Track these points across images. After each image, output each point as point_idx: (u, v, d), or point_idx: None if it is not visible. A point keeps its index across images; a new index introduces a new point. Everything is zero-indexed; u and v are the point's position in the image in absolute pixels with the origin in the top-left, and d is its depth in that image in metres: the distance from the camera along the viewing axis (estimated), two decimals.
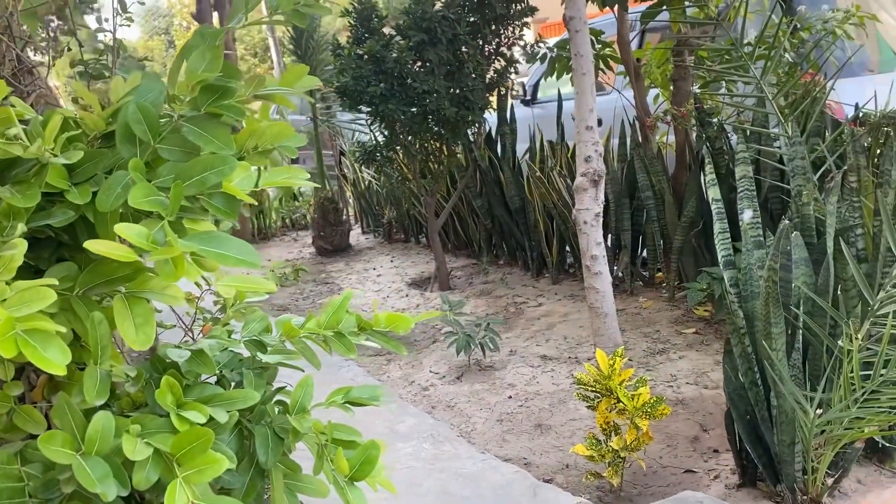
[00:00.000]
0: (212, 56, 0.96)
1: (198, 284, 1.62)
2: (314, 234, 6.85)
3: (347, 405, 1.14)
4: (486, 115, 5.13)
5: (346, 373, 3.59)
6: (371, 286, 5.59)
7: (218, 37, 0.98)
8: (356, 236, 7.49)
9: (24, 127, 0.99)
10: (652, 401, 2.31)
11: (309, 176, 1.03)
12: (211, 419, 1.00)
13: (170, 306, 1.66)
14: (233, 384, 1.22)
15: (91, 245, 0.77)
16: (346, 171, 7.89)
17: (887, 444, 2.35)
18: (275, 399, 1.22)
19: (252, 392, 1.07)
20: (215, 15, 7.40)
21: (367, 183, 7.38)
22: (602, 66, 4.73)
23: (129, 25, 1.67)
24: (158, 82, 1.05)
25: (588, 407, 2.44)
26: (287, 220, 8.27)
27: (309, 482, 1.16)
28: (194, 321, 1.84)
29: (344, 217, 6.92)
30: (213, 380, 1.24)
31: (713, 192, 2.34)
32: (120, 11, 1.53)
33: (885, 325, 1.88)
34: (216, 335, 1.22)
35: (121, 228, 0.81)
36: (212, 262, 0.91)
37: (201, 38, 0.98)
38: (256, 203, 6.87)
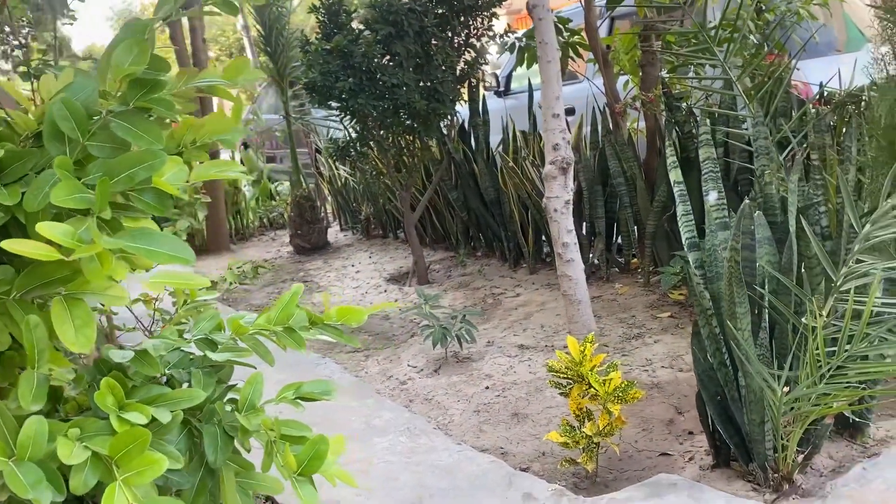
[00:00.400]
0: (139, 49, 0.94)
1: None
2: (291, 232, 6.80)
3: (298, 401, 1.12)
4: (459, 107, 5.10)
5: (323, 370, 3.57)
6: (350, 283, 5.56)
7: (145, 29, 0.96)
8: (334, 233, 7.45)
9: None
10: (623, 385, 2.31)
11: (244, 168, 1.01)
12: (154, 420, 0.98)
13: (128, 307, 1.63)
14: (184, 384, 1.20)
15: (7, 245, 0.75)
16: (321, 168, 7.84)
17: (858, 420, 2.36)
18: (227, 397, 1.21)
19: (198, 391, 1.05)
20: (184, 19, 7.32)
21: (343, 180, 7.34)
22: (572, 54, 4.73)
23: (71, 24, 1.64)
24: (91, 80, 1.03)
25: (561, 394, 2.44)
26: (265, 220, 8.21)
27: (263, 479, 1.15)
28: (153, 322, 1.82)
29: (321, 214, 6.88)
30: (164, 380, 1.22)
31: (674, 175, 2.34)
32: (64, 13, 1.50)
33: (849, 300, 1.89)
34: (165, 335, 1.20)
35: (43, 228, 0.79)
36: (144, 260, 0.89)
37: (128, 31, 0.96)
38: (233, 203, 6.74)
